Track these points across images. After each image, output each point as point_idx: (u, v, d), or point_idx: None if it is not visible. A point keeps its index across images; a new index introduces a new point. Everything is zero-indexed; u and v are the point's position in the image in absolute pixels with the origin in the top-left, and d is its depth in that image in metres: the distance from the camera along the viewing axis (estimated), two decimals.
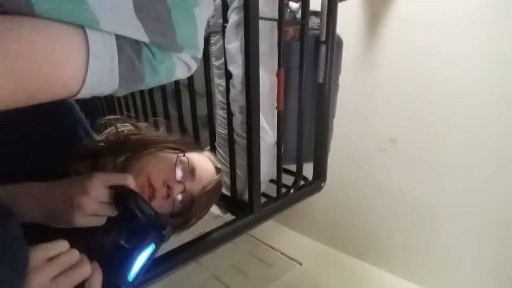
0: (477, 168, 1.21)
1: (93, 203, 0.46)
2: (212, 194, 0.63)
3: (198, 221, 0.64)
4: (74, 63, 0.34)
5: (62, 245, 0.39)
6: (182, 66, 0.43)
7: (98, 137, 0.63)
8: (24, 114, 0.52)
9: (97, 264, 0.42)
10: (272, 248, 1.82)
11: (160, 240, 0.48)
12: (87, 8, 0.33)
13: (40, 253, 0.37)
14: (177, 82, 0.95)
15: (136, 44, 0.38)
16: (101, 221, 0.48)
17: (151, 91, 1.07)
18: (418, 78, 1.30)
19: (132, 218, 0.48)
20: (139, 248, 0.45)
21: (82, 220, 0.46)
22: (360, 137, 1.54)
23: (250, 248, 1.82)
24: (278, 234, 1.92)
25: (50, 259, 0.37)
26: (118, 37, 0.36)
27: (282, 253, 1.77)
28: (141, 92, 1.12)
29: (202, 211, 0.63)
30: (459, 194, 1.28)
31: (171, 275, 0.71)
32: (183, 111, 0.97)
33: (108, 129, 0.64)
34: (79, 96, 0.37)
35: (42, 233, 0.44)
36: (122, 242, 0.46)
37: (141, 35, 0.37)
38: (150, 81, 0.41)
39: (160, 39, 0.39)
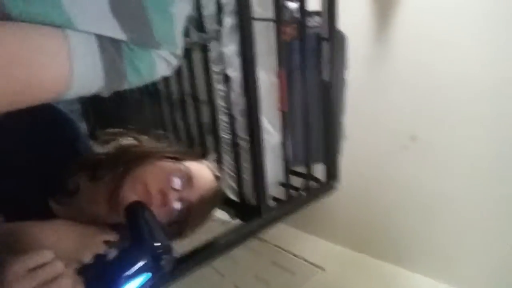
0: (508, 161, 1.12)
1: None
2: (210, 203, 0.61)
3: (195, 230, 0.62)
4: (57, 64, 0.34)
5: (45, 255, 0.38)
6: (162, 62, 0.43)
7: (100, 150, 0.64)
8: (23, 127, 0.55)
9: (80, 280, 0.40)
10: (295, 255, 1.78)
11: (156, 270, 0.45)
12: (62, 9, 0.33)
13: (20, 263, 0.36)
14: (181, 92, 0.96)
15: (115, 43, 0.38)
16: None
17: (159, 102, 1.10)
18: (433, 71, 1.24)
19: (138, 237, 0.46)
20: (131, 272, 0.43)
21: None
22: (379, 136, 1.48)
23: (273, 256, 1.79)
24: (300, 240, 1.87)
25: (32, 269, 0.36)
26: (98, 36, 0.36)
27: (305, 260, 1.73)
28: (150, 104, 1.15)
29: (199, 220, 0.61)
30: (488, 191, 1.19)
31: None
32: (189, 121, 0.99)
33: (111, 143, 0.65)
34: (67, 96, 0.37)
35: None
36: (113, 262, 0.44)
37: (118, 33, 0.38)
38: (132, 79, 0.41)
39: (137, 37, 0.39)
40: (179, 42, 0.44)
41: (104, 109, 1.56)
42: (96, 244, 0.48)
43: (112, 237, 0.51)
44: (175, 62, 0.45)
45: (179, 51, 0.44)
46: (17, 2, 0.31)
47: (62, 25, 0.34)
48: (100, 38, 0.36)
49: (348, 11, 0.95)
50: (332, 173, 1.00)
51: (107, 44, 0.37)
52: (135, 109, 1.28)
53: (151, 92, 1.12)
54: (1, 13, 0.31)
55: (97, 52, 0.36)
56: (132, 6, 0.38)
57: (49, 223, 0.48)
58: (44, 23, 0.33)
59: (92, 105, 1.61)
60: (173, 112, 1.03)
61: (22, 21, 0.32)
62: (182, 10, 0.43)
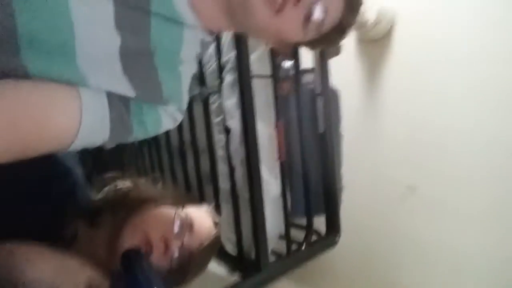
0: (506, 212, 1.11)
1: None
2: (211, 249, 0.61)
3: (196, 277, 0.60)
4: (67, 118, 0.35)
5: None
6: (168, 118, 0.45)
7: (97, 195, 0.64)
8: (23, 176, 0.55)
9: None
10: None
11: None
12: (77, 69, 0.35)
13: None
14: (181, 141, 0.98)
15: (124, 99, 0.40)
16: None
17: (158, 150, 1.11)
18: (423, 122, 1.29)
19: (134, 285, 0.45)
20: None
21: None
22: (377, 187, 1.48)
23: None
24: None
25: None
26: (108, 92, 0.38)
27: None
28: (149, 152, 1.16)
29: (200, 266, 0.60)
30: (489, 242, 1.16)
31: None
32: (188, 169, 0.99)
33: (108, 187, 0.65)
34: (71, 149, 0.38)
35: None
36: None
37: (128, 90, 0.40)
38: (138, 133, 0.42)
39: (146, 94, 0.41)
40: (185, 99, 0.46)
41: (102, 154, 1.56)
42: (76, 282, 0.44)
43: (98, 280, 0.46)
44: (180, 117, 0.46)
45: (185, 106, 0.46)
46: (36, 62, 0.33)
47: (76, 83, 0.36)
48: (111, 94, 0.38)
49: (339, 68, 1.02)
50: (333, 226, 0.98)
51: (116, 101, 0.39)
52: (134, 156, 1.29)
53: (151, 140, 1.14)
54: (22, 72, 0.33)
55: (107, 108, 0.38)
56: (143, 67, 0.41)
57: (30, 243, 0.45)
58: (59, 81, 0.35)
59: (90, 149, 1.61)
60: (172, 161, 1.04)
61: (40, 78, 0.34)
62: (189, 69, 0.46)
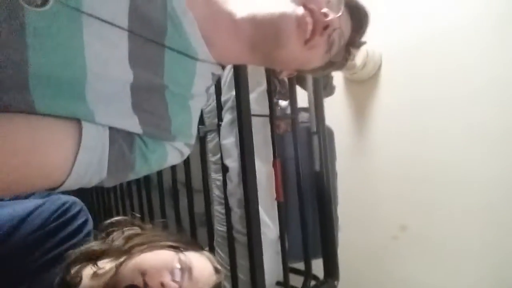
0: (498, 252, 1.10)
1: None
2: None
3: None
4: (61, 155, 0.33)
5: None
6: (174, 152, 0.43)
7: (103, 240, 0.61)
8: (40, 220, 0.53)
9: None
10: None
11: None
12: (85, 104, 0.34)
13: None
14: (174, 181, 0.94)
15: (128, 135, 0.38)
16: None
17: (148, 189, 1.07)
18: (412, 159, 1.31)
19: None
20: None
21: None
22: (369, 227, 1.46)
23: None
24: None
25: None
26: (111, 128, 0.36)
27: None
28: (139, 191, 1.11)
29: None
30: (485, 282, 1.13)
31: None
32: (180, 210, 0.94)
33: (115, 233, 0.62)
34: (64, 187, 0.35)
35: None
36: None
37: (135, 127, 0.38)
38: (140, 170, 0.40)
39: (153, 130, 0.40)
40: (194, 133, 0.45)
41: (87, 196, 1.48)
42: None
43: None
44: (187, 152, 0.45)
45: (193, 141, 0.45)
46: (44, 97, 0.31)
47: (82, 117, 0.34)
48: (114, 131, 0.36)
49: (329, 107, 1.05)
50: (332, 270, 0.93)
51: (119, 138, 0.37)
52: (121, 197, 1.23)
53: (141, 180, 1.09)
54: (28, 107, 0.31)
55: (106, 146, 0.36)
56: (154, 102, 0.40)
57: None
58: (65, 117, 0.33)
59: (75, 192, 1.54)
60: (163, 201, 0.99)
61: (46, 114, 0.32)
62: (199, 104, 0.46)
